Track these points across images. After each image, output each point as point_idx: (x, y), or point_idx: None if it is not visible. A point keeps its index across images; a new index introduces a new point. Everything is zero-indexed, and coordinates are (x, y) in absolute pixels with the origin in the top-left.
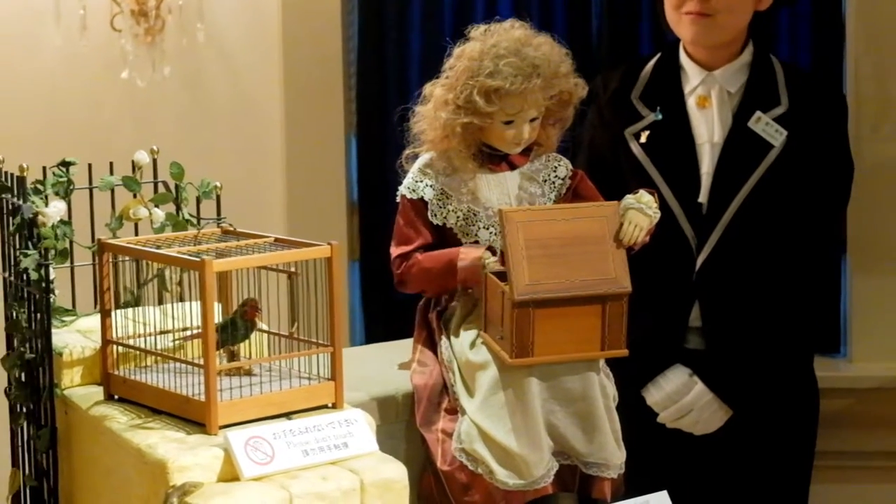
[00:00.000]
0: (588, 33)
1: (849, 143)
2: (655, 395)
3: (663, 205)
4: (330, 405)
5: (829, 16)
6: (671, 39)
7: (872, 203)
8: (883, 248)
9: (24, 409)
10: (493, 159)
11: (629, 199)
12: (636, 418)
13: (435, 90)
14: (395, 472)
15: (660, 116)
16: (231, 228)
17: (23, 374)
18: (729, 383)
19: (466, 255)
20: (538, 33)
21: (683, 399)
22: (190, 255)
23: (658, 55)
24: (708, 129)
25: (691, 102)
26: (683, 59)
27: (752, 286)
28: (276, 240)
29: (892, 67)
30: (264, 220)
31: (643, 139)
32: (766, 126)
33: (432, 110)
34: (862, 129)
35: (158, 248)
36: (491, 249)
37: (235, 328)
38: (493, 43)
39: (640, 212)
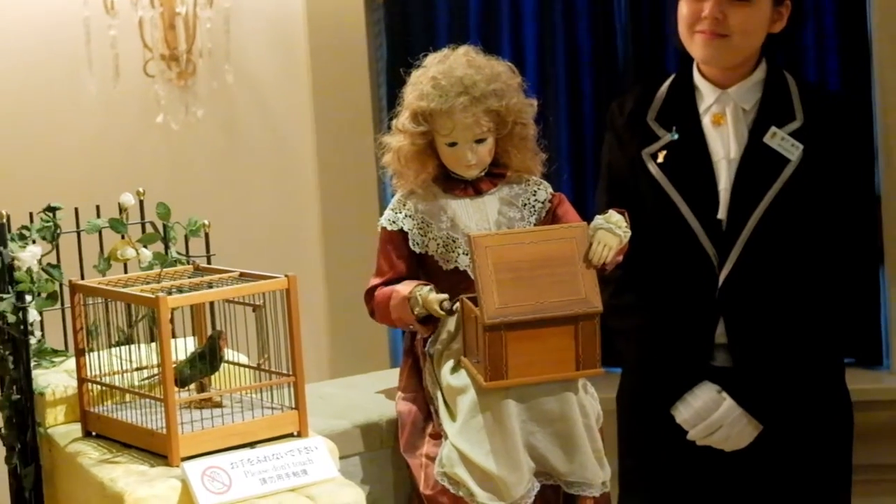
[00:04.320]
0: (613, 54)
1: (868, 153)
2: (684, 412)
3: (683, 223)
4: (295, 434)
5: (854, 32)
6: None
7: None
8: None
9: (15, 448)
10: (457, 184)
11: (598, 219)
12: (666, 437)
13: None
14: (352, 497)
15: (676, 136)
16: (200, 265)
17: (12, 415)
18: (757, 398)
19: (398, 293)
20: (490, 57)
21: (712, 416)
22: (147, 293)
23: (672, 76)
24: (724, 145)
25: (706, 121)
26: (697, 78)
27: (776, 300)
28: (242, 274)
29: None
30: (301, 255)
31: (660, 159)
32: (781, 141)
33: (390, 138)
34: (893, 139)
35: (124, 286)
36: (426, 284)
37: (203, 361)
38: (435, 68)
39: (610, 231)
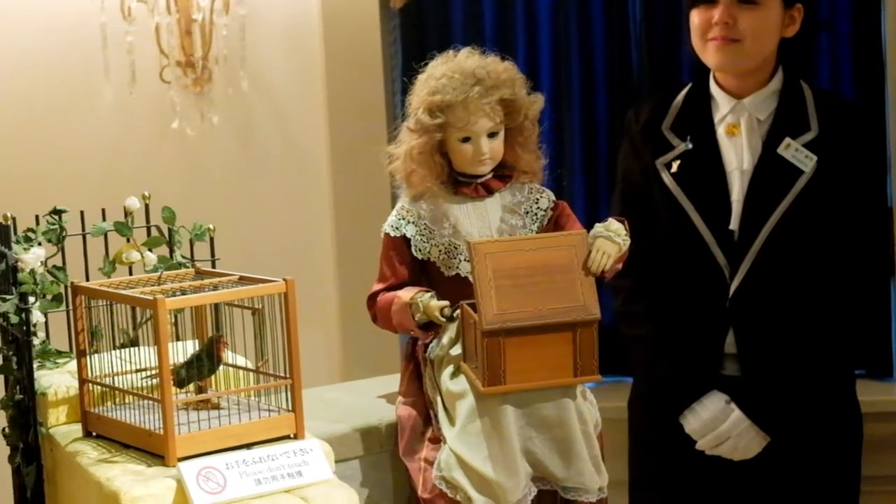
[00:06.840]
0: (628, 64)
1: (881, 165)
2: (693, 422)
3: (695, 233)
4: (291, 436)
5: (868, 40)
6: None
7: None
8: None
9: (18, 448)
10: (466, 185)
11: (598, 227)
12: (676, 444)
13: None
14: (346, 499)
15: (690, 145)
16: (202, 269)
17: (15, 414)
18: (765, 410)
19: (400, 298)
20: (496, 57)
21: (721, 426)
22: (147, 295)
23: (689, 86)
24: (737, 156)
25: (721, 131)
26: (713, 88)
27: (787, 311)
28: (241, 277)
29: None
30: (314, 260)
31: (674, 168)
32: (795, 152)
33: (400, 145)
34: None
35: (126, 289)
36: (428, 291)
37: (202, 363)
38: (443, 67)
39: (609, 240)
